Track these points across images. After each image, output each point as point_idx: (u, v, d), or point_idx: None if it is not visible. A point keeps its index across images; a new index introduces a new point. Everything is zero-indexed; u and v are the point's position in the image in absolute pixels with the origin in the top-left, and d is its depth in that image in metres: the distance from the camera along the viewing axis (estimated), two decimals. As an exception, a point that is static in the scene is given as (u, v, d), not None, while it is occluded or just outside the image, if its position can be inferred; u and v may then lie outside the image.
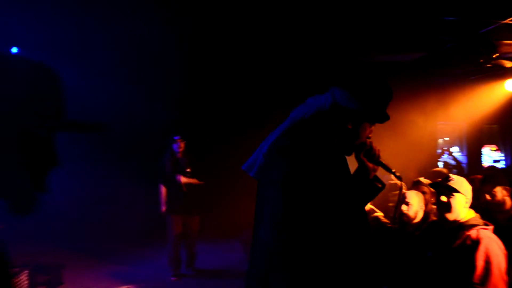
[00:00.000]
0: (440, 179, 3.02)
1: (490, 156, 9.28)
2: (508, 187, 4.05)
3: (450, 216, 2.69)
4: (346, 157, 1.76)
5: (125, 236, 7.54)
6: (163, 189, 6.00)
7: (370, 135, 1.82)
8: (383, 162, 1.86)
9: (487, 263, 2.49)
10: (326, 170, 1.59)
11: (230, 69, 7.31)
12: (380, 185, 1.85)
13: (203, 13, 4.87)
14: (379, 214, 3.64)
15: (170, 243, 5.97)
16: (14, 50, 5.61)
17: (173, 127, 6.33)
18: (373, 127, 1.82)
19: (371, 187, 1.84)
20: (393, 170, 1.89)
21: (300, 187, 1.54)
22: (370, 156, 1.82)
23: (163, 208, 5.99)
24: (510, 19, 4.88)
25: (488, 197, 3.96)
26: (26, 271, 4.91)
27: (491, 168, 6.79)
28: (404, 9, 4.65)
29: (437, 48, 6.20)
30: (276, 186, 1.58)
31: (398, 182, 1.92)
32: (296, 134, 1.68)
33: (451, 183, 2.72)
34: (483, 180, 4.46)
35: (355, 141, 1.78)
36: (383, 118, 1.79)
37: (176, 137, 5.94)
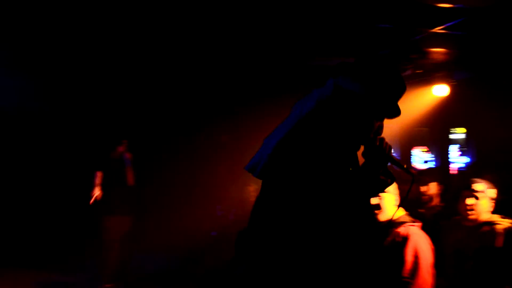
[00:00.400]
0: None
1: (421, 157, 9.76)
2: (441, 186, 4.47)
3: (382, 217, 2.80)
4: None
5: (53, 243, 7.13)
6: (99, 173, 5.83)
7: (380, 132, 1.71)
8: (394, 157, 1.76)
9: (416, 257, 2.60)
10: (333, 171, 1.54)
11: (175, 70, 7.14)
12: (389, 180, 1.74)
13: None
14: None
15: (104, 247, 5.71)
16: None
17: (114, 128, 6.44)
18: (382, 123, 1.70)
19: (379, 182, 1.72)
20: (405, 166, 1.82)
21: (307, 190, 1.52)
22: (380, 152, 1.72)
23: (96, 191, 5.78)
24: (438, 28, 5.16)
25: (424, 188, 4.34)
26: None
27: (432, 168, 7.49)
28: (337, 15, 4.76)
29: (370, 54, 6.42)
30: (283, 188, 1.54)
31: (410, 177, 1.83)
32: (302, 136, 1.58)
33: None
34: (421, 173, 4.96)
35: (361, 136, 1.67)
36: (392, 111, 1.65)
37: (123, 139, 5.97)
